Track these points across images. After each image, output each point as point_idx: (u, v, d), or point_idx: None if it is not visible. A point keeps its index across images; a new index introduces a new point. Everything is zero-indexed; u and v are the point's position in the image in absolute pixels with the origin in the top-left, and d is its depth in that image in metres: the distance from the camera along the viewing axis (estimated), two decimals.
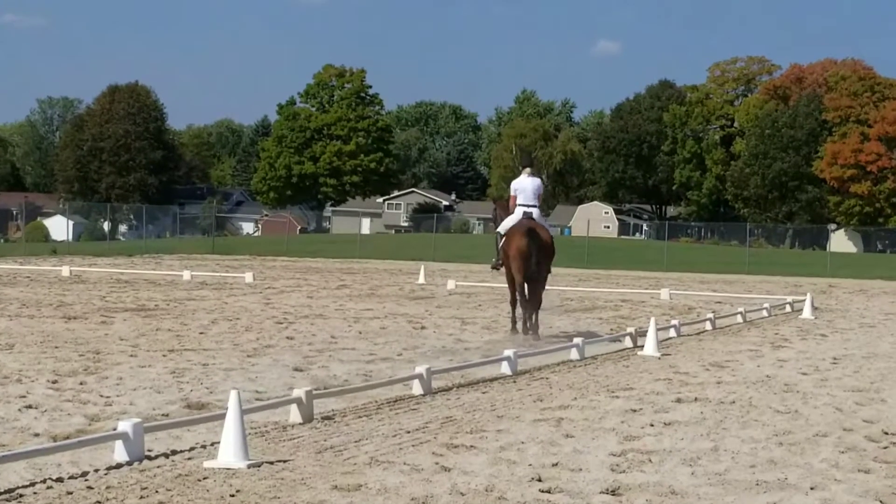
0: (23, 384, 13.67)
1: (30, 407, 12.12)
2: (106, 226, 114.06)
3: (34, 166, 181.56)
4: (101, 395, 12.99)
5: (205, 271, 44.31)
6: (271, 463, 9.69)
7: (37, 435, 10.69)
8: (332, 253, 70.22)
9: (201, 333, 20.38)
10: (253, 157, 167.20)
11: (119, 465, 9.43)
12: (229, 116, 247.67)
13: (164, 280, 38.64)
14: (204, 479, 9.08)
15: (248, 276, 39.18)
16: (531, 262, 21.00)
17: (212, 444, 10.24)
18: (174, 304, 27.09)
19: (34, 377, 14.25)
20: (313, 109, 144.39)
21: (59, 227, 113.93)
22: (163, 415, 11.86)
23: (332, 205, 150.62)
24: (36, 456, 9.27)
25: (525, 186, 21.92)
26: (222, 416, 10.00)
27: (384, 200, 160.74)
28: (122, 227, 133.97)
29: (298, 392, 11.79)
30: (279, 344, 19.06)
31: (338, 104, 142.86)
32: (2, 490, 8.51)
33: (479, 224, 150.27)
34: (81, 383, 13.86)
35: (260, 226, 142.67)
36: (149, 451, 9.86)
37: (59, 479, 8.90)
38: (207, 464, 9.53)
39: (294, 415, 11.67)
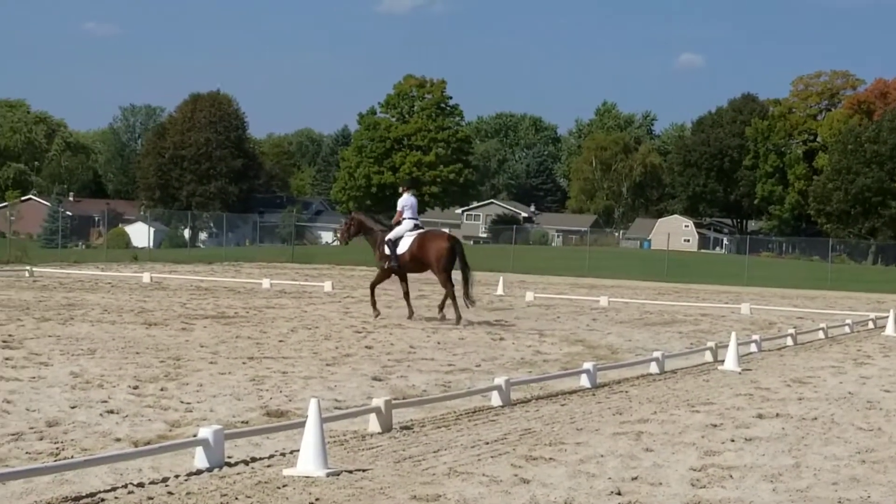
0: (104, 389, 13.79)
1: (111, 412, 12.23)
2: (186, 233, 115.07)
3: (116, 173, 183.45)
4: (182, 402, 13.07)
5: (284, 280, 44.53)
6: (350, 472, 9.69)
7: (118, 440, 10.77)
8: None
9: (280, 341, 20.45)
10: (333, 166, 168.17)
11: (199, 472, 9.48)
12: (309, 126, 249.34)
13: (244, 288, 38.86)
14: (283, 486, 9.11)
15: (327, 285, 39.34)
16: (456, 260, 26.68)
17: (291, 452, 10.27)
18: (254, 312, 27.23)
19: (116, 383, 14.36)
20: (393, 120, 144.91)
21: (140, 233, 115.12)
22: (242, 422, 11.90)
23: None
24: (117, 461, 9.33)
25: (412, 204, 27.57)
26: (302, 425, 10.02)
27: (463, 211, 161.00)
28: (203, 235, 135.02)
29: (377, 401, 11.80)
30: (358, 353, 19.09)
31: (418, 115, 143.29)
32: (84, 494, 8.59)
33: (558, 236, 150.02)
34: (162, 389, 13.96)
35: (339, 235, 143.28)
36: (229, 457, 9.91)
37: (140, 485, 8.96)
38: (287, 471, 9.55)
39: (373, 424, 11.68)
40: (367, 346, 20.18)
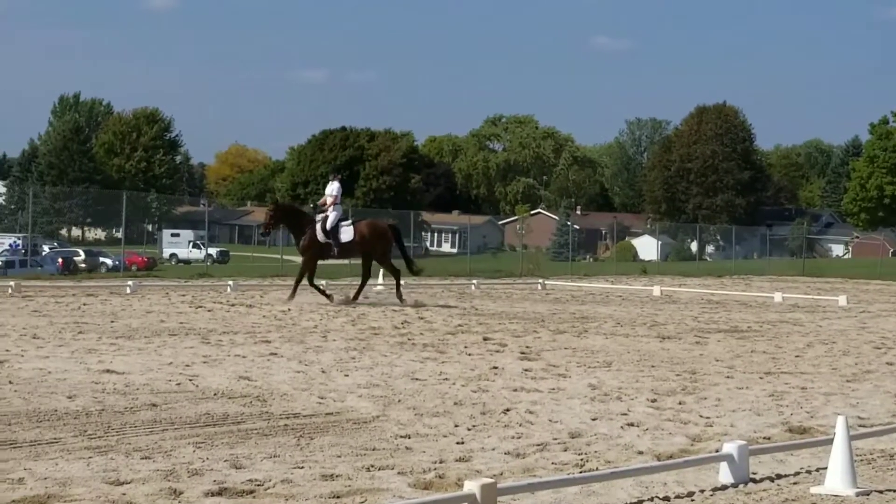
0: (623, 402, 13.90)
1: (631, 425, 12.29)
2: (693, 246, 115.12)
3: (622, 187, 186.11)
4: (701, 416, 12.99)
5: (796, 293, 43.66)
6: (881, 492, 9.35)
7: (640, 453, 10.80)
8: None
9: (797, 356, 20.01)
10: (843, 177, 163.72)
11: (724, 487, 9.38)
12: (818, 136, 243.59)
13: (755, 302, 38.41)
14: None
15: (842, 299, 38.23)
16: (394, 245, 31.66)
17: (817, 470, 10.00)
18: (767, 327, 26.80)
19: (634, 395, 14.46)
20: None
21: (647, 246, 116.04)
22: (764, 438, 11.70)
23: None
24: (642, 474, 9.36)
25: (339, 191, 30.88)
26: (828, 442, 9.77)
27: None
28: (709, 248, 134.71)
29: None
30: (879, 369, 18.38)
31: None
32: None
33: None
34: (680, 403, 13.93)
35: (850, 248, 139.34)
36: (753, 473, 9.75)
37: (666, 499, 8.95)
38: (814, 489, 9.31)
39: None
40: (888, 363, 19.41)
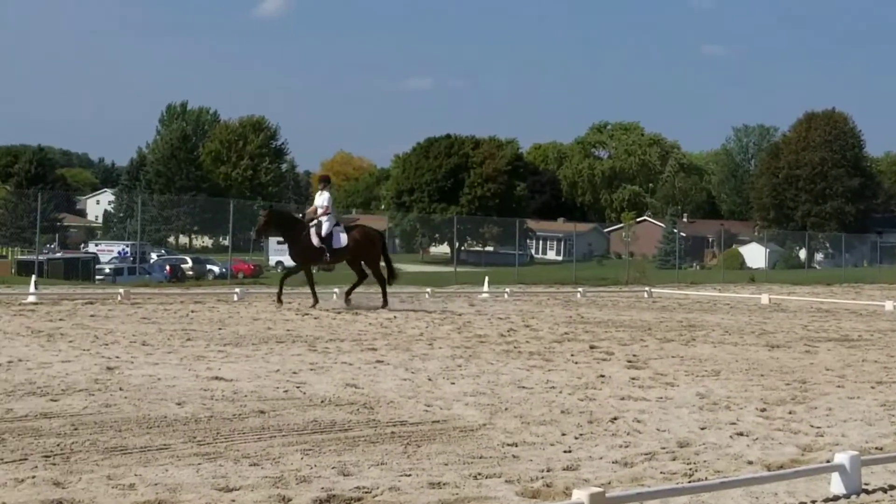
0: (732, 411, 13.74)
1: (741, 434, 12.14)
2: (802, 254, 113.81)
3: (729, 194, 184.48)
4: (811, 426, 12.80)
5: None
6: None
7: (750, 463, 10.66)
8: None
9: None
10: None
11: (835, 498, 9.25)
12: None
13: (866, 310, 37.84)
14: None
15: None
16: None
17: None
18: (878, 335, 26.38)
19: (742, 404, 14.28)
20: None
21: (754, 254, 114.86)
22: (876, 448, 11.50)
23: None
24: (752, 484, 9.24)
25: (331, 200, 31.23)
26: None
27: None
28: (818, 256, 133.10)
29: None
30: None
31: None
32: None
33: None
34: (790, 412, 13.74)
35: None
36: (865, 484, 9.59)
37: None
38: None
39: None
40: None
